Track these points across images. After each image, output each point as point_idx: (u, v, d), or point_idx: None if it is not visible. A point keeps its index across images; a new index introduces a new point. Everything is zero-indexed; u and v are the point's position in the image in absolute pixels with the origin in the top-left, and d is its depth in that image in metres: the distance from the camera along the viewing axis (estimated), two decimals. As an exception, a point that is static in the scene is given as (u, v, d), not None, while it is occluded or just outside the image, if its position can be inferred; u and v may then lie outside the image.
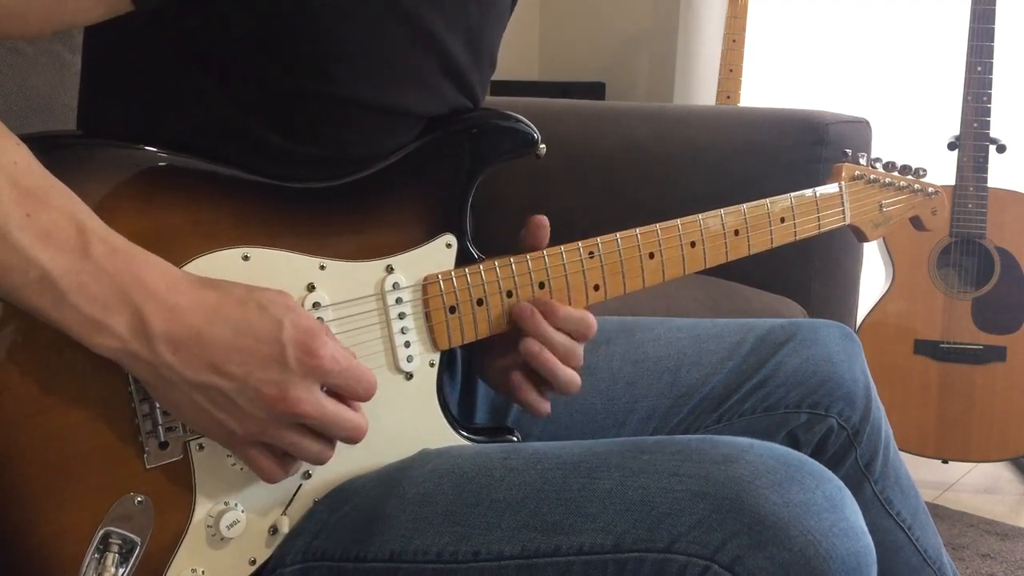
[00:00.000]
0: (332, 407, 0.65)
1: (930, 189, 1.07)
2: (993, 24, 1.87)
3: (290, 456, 0.67)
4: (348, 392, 0.66)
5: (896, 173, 1.04)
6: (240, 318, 0.62)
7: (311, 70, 0.67)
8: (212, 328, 0.61)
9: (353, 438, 0.67)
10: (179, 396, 0.62)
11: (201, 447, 0.67)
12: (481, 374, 0.87)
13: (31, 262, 0.57)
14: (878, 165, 1.03)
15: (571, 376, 0.78)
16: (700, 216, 0.86)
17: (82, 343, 0.60)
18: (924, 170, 1.06)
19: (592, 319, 0.79)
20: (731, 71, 2.49)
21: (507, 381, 0.80)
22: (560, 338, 0.77)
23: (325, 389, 0.65)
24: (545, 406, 0.80)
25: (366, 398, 0.67)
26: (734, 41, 2.48)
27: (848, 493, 0.64)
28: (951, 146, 1.92)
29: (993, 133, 1.89)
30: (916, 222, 1.08)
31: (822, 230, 0.95)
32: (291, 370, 0.62)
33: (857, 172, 0.99)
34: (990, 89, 1.88)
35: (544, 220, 0.79)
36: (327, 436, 0.66)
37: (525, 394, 0.79)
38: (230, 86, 0.68)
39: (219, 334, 0.61)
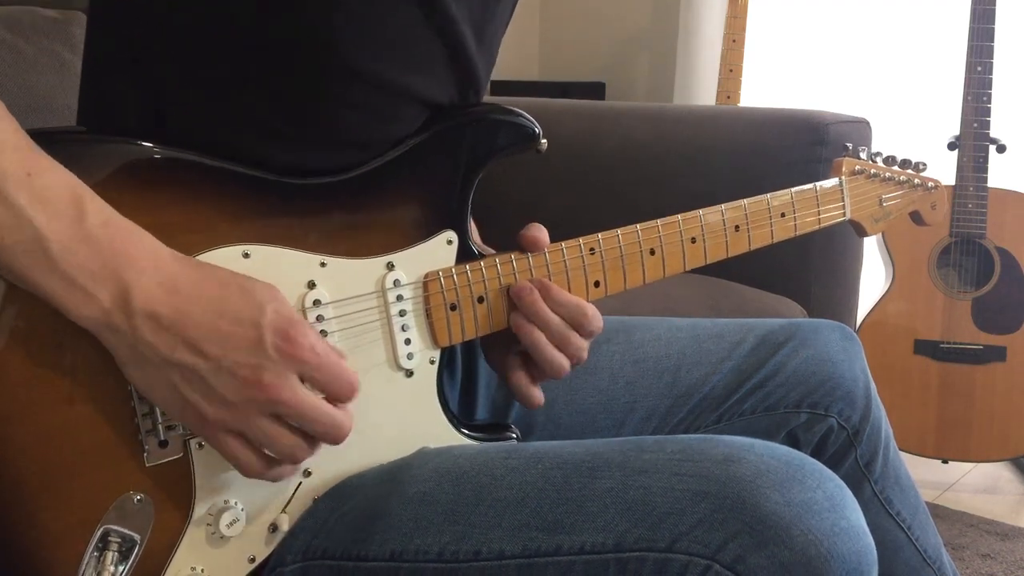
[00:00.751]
0: (310, 398, 0.63)
1: (930, 183, 1.07)
2: (993, 24, 1.87)
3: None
4: (326, 388, 0.65)
5: (896, 167, 1.04)
6: (221, 299, 0.62)
7: (315, 35, 0.67)
8: (192, 306, 0.61)
9: (332, 436, 0.65)
10: (153, 374, 0.61)
11: (201, 445, 0.67)
12: (486, 356, 0.87)
13: (26, 222, 0.57)
14: (878, 159, 1.03)
15: (560, 360, 0.77)
16: (701, 212, 0.86)
17: (63, 311, 0.60)
18: (924, 164, 1.06)
19: (591, 309, 0.78)
20: (731, 71, 2.49)
21: (504, 363, 0.80)
22: (554, 319, 0.77)
23: (306, 384, 0.64)
24: (536, 394, 0.79)
25: (344, 397, 0.65)
26: (734, 41, 2.48)
27: (849, 493, 0.64)
28: (951, 146, 1.92)
29: (993, 133, 1.90)
30: (916, 216, 1.08)
31: (822, 225, 0.95)
32: (267, 355, 0.61)
33: (857, 167, 0.99)
34: (990, 89, 1.88)
35: (540, 239, 0.79)
36: (305, 431, 0.65)
37: (517, 378, 0.79)
38: (232, 62, 0.67)
39: (198, 313, 0.61)
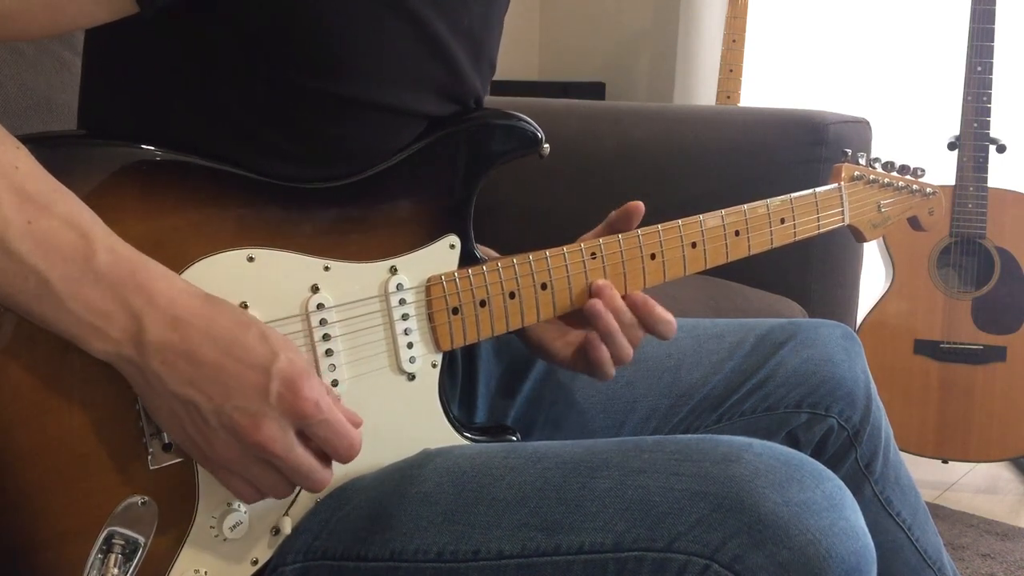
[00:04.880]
0: (302, 455, 0.63)
1: (928, 189, 1.07)
2: (993, 24, 1.87)
3: None
4: (326, 445, 0.64)
5: (895, 173, 1.04)
6: (236, 340, 0.62)
7: (315, 69, 0.67)
8: (202, 342, 0.61)
9: (312, 488, 0.65)
10: (161, 403, 0.62)
11: (204, 448, 0.67)
12: (536, 344, 0.88)
13: (30, 270, 0.57)
14: (877, 165, 1.03)
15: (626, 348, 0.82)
16: (701, 217, 0.86)
17: (77, 346, 0.60)
18: (922, 170, 1.06)
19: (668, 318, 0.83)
20: (731, 71, 2.49)
21: (573, 347, 0.84)
22: (628, 314, 0.81)
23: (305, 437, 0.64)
24: (612, 368, 0.82)
25: (341, 457, 0.65)
26: (734, 41, 2.48)
27: (848, 492, 0.64)
28: (951, 146, 1.92)
29: (993, 133, 1.90)
30: (914, 222, 1.09)
31: (821, 230, 0.96)
32: (270, 404, 0.61)
33: (856, 172, 1.00)
34: (990, 89, 1.88)
35: (640, 207, 0.83)
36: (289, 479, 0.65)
37: (599, 352, 0.81)
38: (235, 86, 0.68)
39: (209, 351, 0.61)
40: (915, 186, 1.06)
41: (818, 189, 0.95)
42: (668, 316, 0.82)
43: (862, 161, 1.01)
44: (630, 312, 0.81)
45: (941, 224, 1.91)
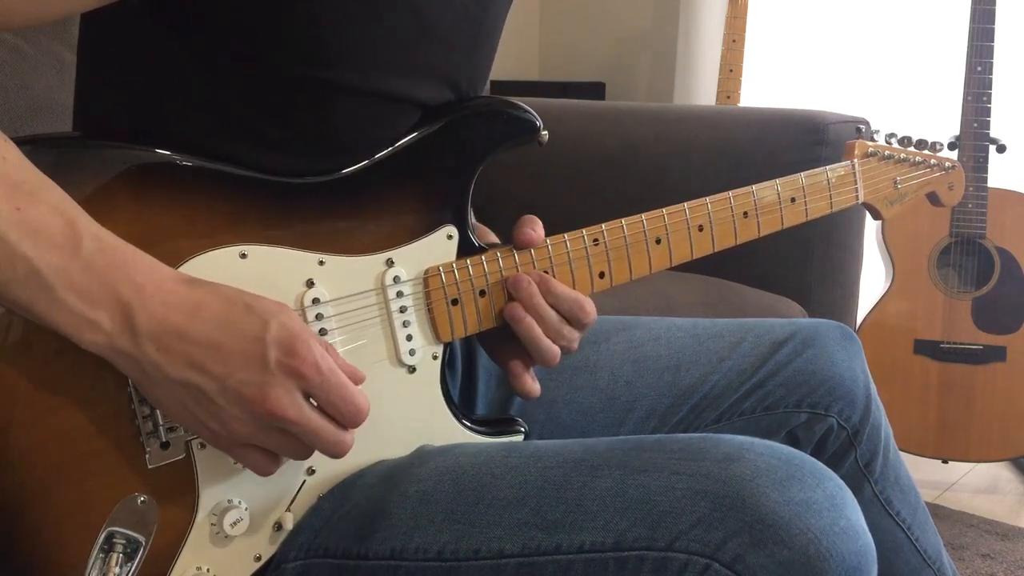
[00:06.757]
0: (315, 416, 0.63)
1: (947, 163, 1.04)
2: (993, 24, 1.87)
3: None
4: (331, 409, 0.63)
5: (912, 148, 1.01)
6: (224, 316, 0.61)
7: (308, 56, 0.67)
8: (194, 325, 0.61)
9: (333, 453, 0.65)
10: (164, 393, 0.62)
11: (203, 446, 0.67)
12: (484, 347, 0.86)
13: (19, 257, 0.57)
14: (893, 141, 1.00)
15: (551, 350, 0.77)
16: (708, 199, 0.85)
17: (70, 339, 0.60)
18: (941, 144, 1.03)
19: (589, 304, 0.78)
20: (731, 71, 2.49)
21: (501, 351, 0.81)
22: (551, 313, 0.77)
23: (313, 403, 0.64)
24: (532, 384, 0.80)
25: (348, 422, 0.64)
26: (734, 41, 2.48)
27: (849, 492, 0.64)
28: (951, 146, 1.92)
29: (993, 133, 1.90)
30: (933, 198, 1.05)
31: (835, 209, 0.93)
32: (271, 371, 0.61)
33: (870, 148, 0.97)
34: (990, 89, 1.88)
35: (534, 239, 0.79)
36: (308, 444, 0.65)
37: (515, 365, 0.79)
38: (228, 75, 0.67)
39: (200, 331, 0.61)
40: (933, 160, 1.02)
41: (830, 167, 0.93)
42: (571, 294, 0.78)
43: (877, 137, 0.99)
44: (552, 312, 0.77)
45: (941, 224, 1.91)
